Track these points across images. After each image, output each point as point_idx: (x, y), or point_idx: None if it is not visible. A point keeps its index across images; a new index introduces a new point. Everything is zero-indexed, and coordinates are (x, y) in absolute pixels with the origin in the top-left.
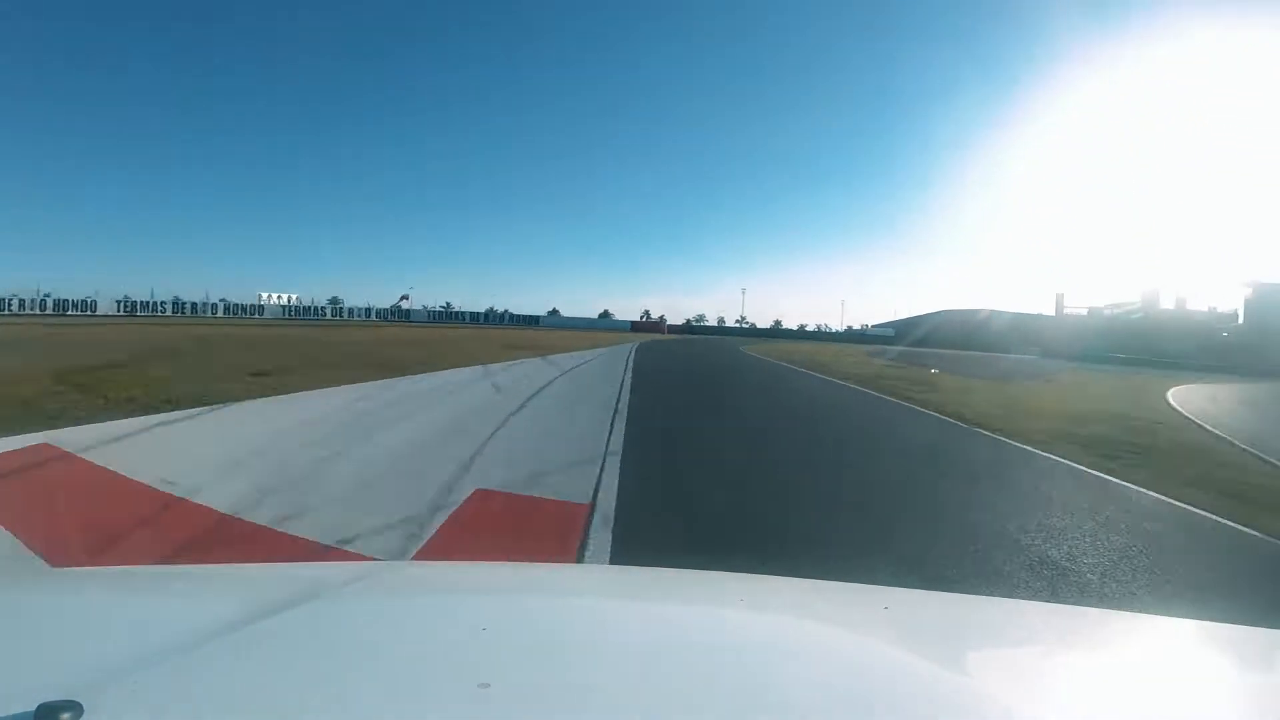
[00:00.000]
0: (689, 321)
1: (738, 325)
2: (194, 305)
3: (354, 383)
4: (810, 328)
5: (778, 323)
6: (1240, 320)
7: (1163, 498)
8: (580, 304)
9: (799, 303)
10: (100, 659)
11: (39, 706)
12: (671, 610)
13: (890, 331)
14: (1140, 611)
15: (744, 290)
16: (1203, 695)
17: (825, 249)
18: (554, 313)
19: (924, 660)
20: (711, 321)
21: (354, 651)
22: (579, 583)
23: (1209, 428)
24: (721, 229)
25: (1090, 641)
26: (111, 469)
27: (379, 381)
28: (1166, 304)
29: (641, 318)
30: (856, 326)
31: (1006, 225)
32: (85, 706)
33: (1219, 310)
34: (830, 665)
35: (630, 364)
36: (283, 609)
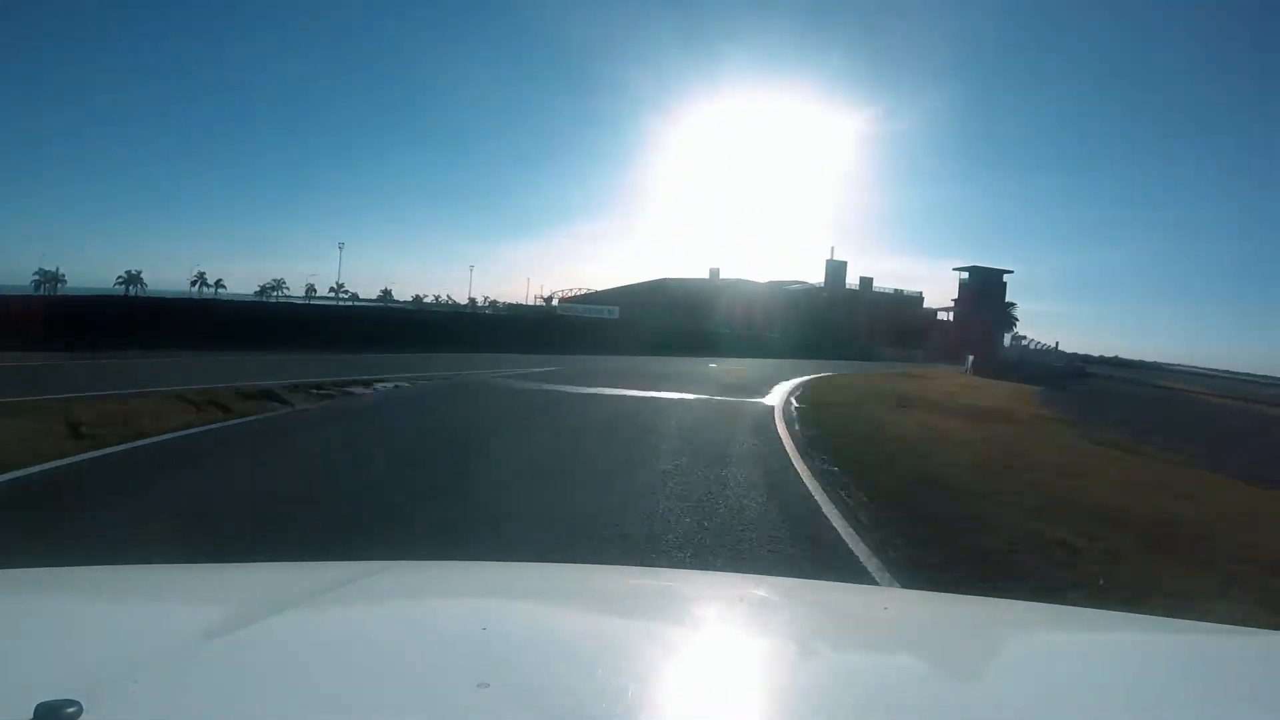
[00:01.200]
0: (263, 289)
1: (333, 298)
2: None
3: None
4: (428, 300)
5: (387, 292)
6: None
7: None
8: (100, 266)
9: (413, 271)
10: (100, 659)
11: (39, 706)
12: (672, 610)
13: (613, 313)
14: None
15: (341, 245)
16: (1203, 696)
17: (449, 213)
18: None
19: (924, 660)
20: (297, 292)
21: (354, 651)
22: (579, 583)
23: None
24: (311, 177)
25: (1090, 641)
26: None
27: None
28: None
29: None
30: (483, 301)
31: (666, 204)
32: (85, 706)
33: (899, 291)
34: (830, 665)
35: None
36: (283, 608)
